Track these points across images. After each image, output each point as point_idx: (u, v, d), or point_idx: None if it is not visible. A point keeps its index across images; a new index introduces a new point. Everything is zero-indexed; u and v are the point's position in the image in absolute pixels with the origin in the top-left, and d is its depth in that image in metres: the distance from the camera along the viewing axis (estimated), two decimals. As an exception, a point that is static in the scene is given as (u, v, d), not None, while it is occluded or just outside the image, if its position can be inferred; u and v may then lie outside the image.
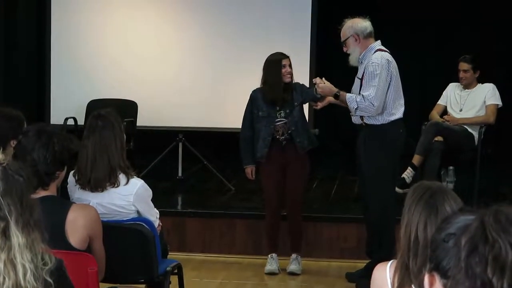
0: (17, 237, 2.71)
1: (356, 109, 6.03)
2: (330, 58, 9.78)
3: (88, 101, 8.68)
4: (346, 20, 6.17)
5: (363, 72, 6.07)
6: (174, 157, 8.67)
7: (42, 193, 3.60)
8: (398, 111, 6.12)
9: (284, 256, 6.82)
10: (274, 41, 8.40)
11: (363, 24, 6.12)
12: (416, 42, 9.87)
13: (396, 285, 2.74)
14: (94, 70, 8.93)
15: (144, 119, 8.58)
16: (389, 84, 6.03)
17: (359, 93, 6.06)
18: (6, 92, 9.35)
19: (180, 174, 8.69)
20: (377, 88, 5.95)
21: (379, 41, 6.15)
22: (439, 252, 1.69)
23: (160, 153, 8.59)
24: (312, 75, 8.55)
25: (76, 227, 3.64)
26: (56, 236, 3.26)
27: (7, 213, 2.71)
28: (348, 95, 6.10)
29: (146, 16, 8.95)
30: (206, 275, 6.57)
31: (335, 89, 6.12)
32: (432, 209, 2.70)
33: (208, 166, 8.61)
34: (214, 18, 8.90)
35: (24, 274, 2.70)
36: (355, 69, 8.85)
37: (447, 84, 8.14)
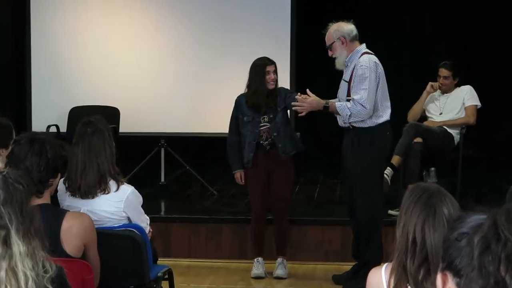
0: (18, 246, 2.72)
1: (349, 116, 6.04)
2: (310, 62, 9.89)
3: (70, 108, 8.68)
4: (330, 24, 6.19)
5: (351, 75, 6.09)
6: (157, 163, 8.68)
7: (36, 201, 3.59)
8: (385, 113, 6.16)
9: (270, 260, 6.85)
10: (255, 45, 8.44)
11: (349, 27, 6.15)
12: (393, 45, 9.95)
13: (392, 285, 2.77)
14: (75, 77, 8.92)
15: (126, 125, 8.57)
16: (377, 86, 6.06)
17: (348, 97, 6.07)
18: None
19: (162, 179, 8.70)
20: (368, 91, 5.98)
21: (364, 44, 6.18)
22: (452, 251, 1.72)
23: (143, 159, 8.59)
24: (293, 80, 8.61)
25: (71, 235, 3.64)
26: (51, 244, 3.26)
27: (7, 222, 2.72)
28: (337, 104, 6.09)
29: (126, 22, 8.96)
30: (193, 280, 6.59)
31: (322, 102, 6.09)
32: (430, 211, 2.74)
33: (191, 171, 8.62)
34: (194, 23, 8.93)
35: (26, 282, 2.71)
36: (334, 72, 8.94)
37: (424, 85, 8.20)
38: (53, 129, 8.49)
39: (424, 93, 7.93)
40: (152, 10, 9.02)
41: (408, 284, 2.73)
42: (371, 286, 2.85)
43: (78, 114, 8.51)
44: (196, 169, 8.70)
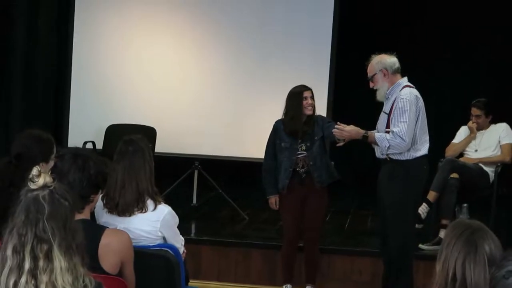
0: (59, 261, 2.76)
1: (388, 147, 6.04)
2: (347, 94, 9.91)
3: (107, 126, 8.75)
4: (373, 56, 6.20)
5: (391, 108, 6.09)
6: (190, 184, 8.72)
7: (77, 216, 3.62)
8: (423, 147, 6.14)
9: (299, 287, 6.84)
10: (293, 73, 8.48)
11: (392, 59, 6.16)
12: (431, 81, 9.94)
13: (431, 320, 2.77)
14: (114, 95, 9.00)
15: (161, 146, 8.62)
16: (417, 120, 6.06)
17: (387, 129, 6.07)
18: (25, 114, 9.42)
19: (194, 201, 8.73)
20: (407, 124, 5.98)
21: (406, 77, 6.18)
22: None
23: (176, 179, 8.63)
24: (330, 108, 8.62)
25: (109, 252, 3.66)
26: (89, 260, 3.28)
27: (50, 236, 2.76)
28: (377, 135, 6.09)
29: (167, 42, 9.03)
30: (221, 304, 6.59)
31: (362, 131, 6.10)
32: (472, 247, 2.74)
33: (223, 194, 8.65)
34: (236, 48, 8.98)
35: (65, 297, 2.74)
36: (371, 103, 8.93)
37: (459, 119, 8.20)
38: (89, 146, 8.56)
39: (469, 137, 7.92)
40: (194, 32, 9.08)
41: (447, 320, 2.73)
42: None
43: (115, 132, 8.60)
44: (228, 192, 8.72)
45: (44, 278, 2.74)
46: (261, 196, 8.70)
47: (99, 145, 8.66)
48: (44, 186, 2.83)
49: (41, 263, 2.74)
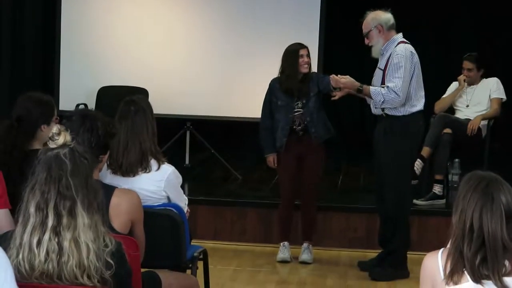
0: (82, 217, 2.77)
1: (382, 102, 6.07)
2: (337, 51, 9.91)
3: (99, 88, 8.72)
4: (368, 12, 6.21)
5: (386, 63, 6.11)
6: (182, 145, 8.72)
7: (86, 177, 3.63)
8: (419, 103, 6.19)
9: (295, 245, 6.90)
10: (283, 32, 8.46)
11: (386, 15, 6.18)
12: (418, 38, 9.92)
13: (448, 270, 2.81)
14: (104, 57, 8.93)
15: (153, 107, 8.53)
16: (412, 75, 6.09)
17: (382, 85, 6.10)
18: (13, 77, 9.36)
19: (187, 162, 8.74)
20: (402, 79, 6.01)
21: (401, 33, 6.20)
22: None
23: (168, 140, 8.62)
24: (320, 67, 8.61)
25: (120, 212, 3.67)
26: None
27: (74, 193, 2.76)
28: (372, 88, 6.12)
29: (157, 3, 8.97)
30: (219, 263, 6.62)
31: (357, 84, 6.13)
32: (488, 198, 2.78)
33: (215, 155, 8.66)
34: (225, 8, 8.92)
35: (87, 254, 2.76)
36: (359, 62, 8.93)
37: (450, 78, 8.22)
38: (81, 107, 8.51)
39: (457, 89, 7.93)
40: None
41: (464, 269, 2.77)
42: (427, 271, 2.87)
43: (107, 94, 8.58)
44: (220, 152, 8.74)
45: (67, 235, 2.75)
46: (253, 156, 8.75)
47: (91, 107, 8.62)
48: (64, 145, 2.83)
49: (64, 220, 2.75)
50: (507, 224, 2.76)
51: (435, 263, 2.86)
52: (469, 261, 2.76)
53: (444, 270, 2.82)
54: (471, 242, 2.77)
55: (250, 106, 8.26)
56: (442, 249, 2.90)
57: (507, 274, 2.76)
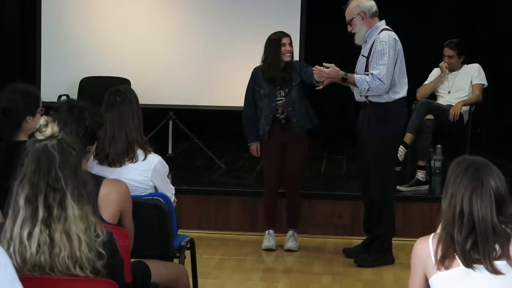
0: (72, 209, 2.76)
1: (367, 89, 6.08)
2: (319, 38, 9.92)
3: (81, 79, 8.69)
4: (350, 0, 6.22)
5: (369, 51, 6.13)
6: (164, 135, 8.71)
7: (75, 168, 3.62)
8: (402, 90, 6.21)
9: (280, 233, 6.91)
10: (265, 20, 8.46)
11: (369, 3, 6.19)
12: (400, 25, 9.94)
13: (439, 255, 2.83)
14: (86, 48, 8.89)
15: (135, 97, 8.55)
16: (396, 62, 6.11)
17: (366, 72, 6.11)
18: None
19: (170, 151, 8.73)
20: (386, 66, 6.03)
21: (384, 20, 6.21)
22: None
23: (151, 130, 8.59)
24: (302, 55, 8.62)
25: (109, 202, 3.67)
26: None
27: (63, 185, 2.76)
28: (356, 76, 6.13)
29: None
30: (205, 252, 6.62)
31: (342, 72, 6.12)
32: (478, 183, 2.80)
33: (198, 144, 8.66)
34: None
35: (79, 245, 2.75)
36: (340, 49, 8.93)
37: (431, 64, 8.25)
38: (63, 99, 8.47)
39: (439, 76, 7.97)
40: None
41: (455, 254, 2.79)
42: (418, 256, 2.89)
43: (89, 85, 8.55)
44: (202, 141, 8.73)
45: (58, 227, 2.75)
46: (234, 145, 8.76)
47: (73, 98, 8.59)
48: (52, 136, 2.82)
49: (55, 211, 2.74)
50: (496, 208, 2.79)
51: (426, 248, 2.88)
52: (460, 246, 2.78)
53: (435, 255, 2.84)
54: (462, 226, 2.79)
55: (232, 95, 8.28)
56: (432, 234, 2.93)
57: (498, 258, 2.79)
